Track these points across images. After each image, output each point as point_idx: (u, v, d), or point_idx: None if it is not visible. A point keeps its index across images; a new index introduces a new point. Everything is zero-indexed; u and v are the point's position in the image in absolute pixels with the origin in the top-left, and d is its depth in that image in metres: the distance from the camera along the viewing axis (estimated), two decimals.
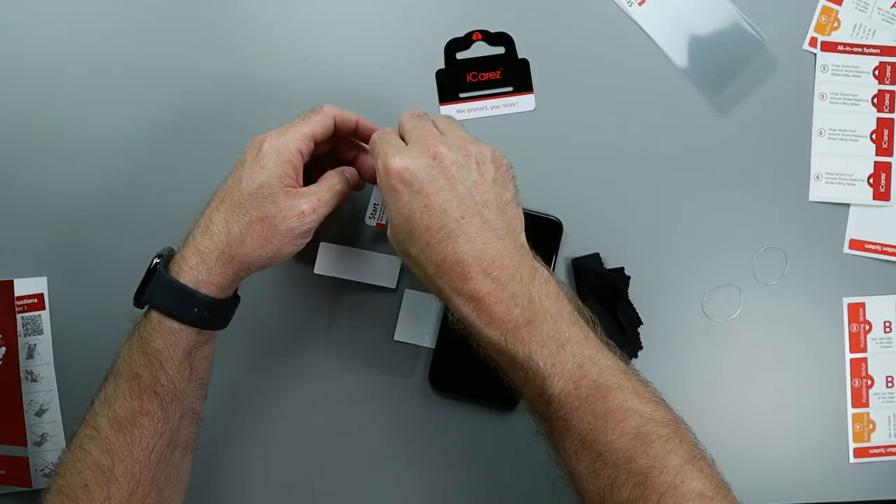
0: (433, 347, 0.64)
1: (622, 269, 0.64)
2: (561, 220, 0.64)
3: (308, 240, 0.56)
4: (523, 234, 0.52)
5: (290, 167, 0.54)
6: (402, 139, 0.54)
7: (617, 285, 0.63)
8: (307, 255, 0.64)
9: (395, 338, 0.65)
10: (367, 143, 0.58)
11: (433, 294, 0.52)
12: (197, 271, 0.53)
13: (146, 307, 0.54)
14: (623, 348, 0.64)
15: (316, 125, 0.56)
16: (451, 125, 0.55)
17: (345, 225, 0.65)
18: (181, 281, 0.52)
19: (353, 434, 0.65)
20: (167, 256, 0.54)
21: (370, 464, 0.65)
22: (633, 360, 0.65)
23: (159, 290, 0.53)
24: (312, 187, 0.56)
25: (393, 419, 0.65)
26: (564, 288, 0.51)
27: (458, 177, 0.51)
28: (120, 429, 0.51)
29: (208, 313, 0.53)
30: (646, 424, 0.47)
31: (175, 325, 0.52)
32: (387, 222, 0.54)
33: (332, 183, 0.57)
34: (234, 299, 0.57)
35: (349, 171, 0.59)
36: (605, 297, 0.64)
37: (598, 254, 0.65)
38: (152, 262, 0.54)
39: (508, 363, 0.50)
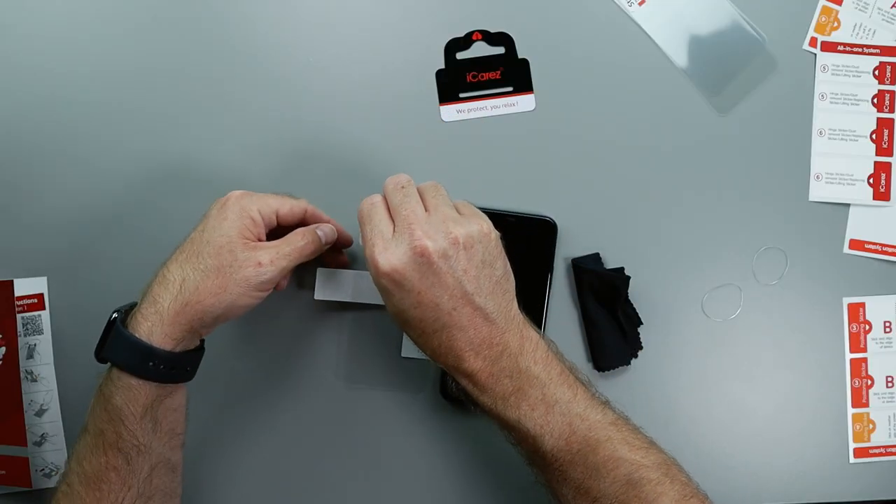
0: None
1: (622, 269, 0.64)
2: (556, 220, 0.64)
3: (267, 293, 0.55)
4: (514, 300, 0.54)
5: (251, 223, 0.54)
6: (389, 213, 0.54)
7: (617, 285, 0.63)
8: (308, 282, 0.64)
9: (403, 354, 0.65)
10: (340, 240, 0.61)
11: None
12: (151, 323, 0.52)
13: (108, 362, 0.53)
14: (623, 348, 0.64)
15: (285, 205, 0.57)
16: (437, 198, 0.54)
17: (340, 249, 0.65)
18: (136, 335, 0.51)
19: (369, 452, 0.65)
20: (126, 310, 0.54)
21: (387, 480, 0.65)
22: (633, 360, 0.65)
23: (116, 346, 0.52)
24: (274, 241, 0.55)
25: (408, 435, 0.65)
26: (553, 347, 0.54)
27: (446, 269, 0.51)
28: (89, 484, 0.52)
29: (165, 367, 0.52)
30: (636, 471, 0.50)
31: (133, 380, 0.52)
32: None
33: (295, 239, 0.56)
34: (197, 351, 0.55)
35: (324, 227, 0.59)
36: (605, 297, 0.64)
37: (597, 254, 0.65)
38: (111, 315, 0.53)
39: (503, 424, 0.53)
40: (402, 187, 0.54)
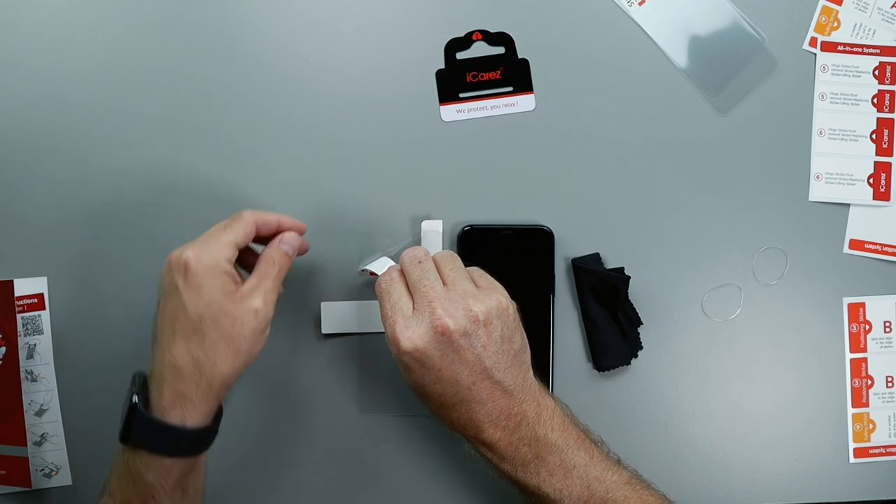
0: None
1: (622, 269, 0.64)
2: (555, 220, 0.64)
3: (269, 328, 0.54)
4: (530, 369, 0.56)
5: (227, 277, 0.53)
6: (407, 289, 0.55)
7: (617, 285, 0.63)
8: (315, 317, 0.65)
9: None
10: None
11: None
12: (182, 409, 0.51)
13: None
14: (623, 348, 0.64)
15: (238, 233, 0.54)
16: (454, 271, 0.55)
17: (342, 281, 0.65)
18: (169, 422, 0.51)
19: (387, 477, 0.65)
20: (142, 384, 0.53)
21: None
22: (633, 360, 0.65)
23: (147, 433, 0.51)
24: (253, 279, 0.54)
25: (425, 457, 0.65)
26: (567, 410, 0.56)
27: (466, 347, 0.53)
28: None
29: (198, 441, 0.53)
30: None
31: (166, 460, 0.51)
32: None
33: (269, 269, 0.55)
34: (220, 411, 0.55)
35: (287, 240, 0.57)
36: (605, 297, 0.64)
37: (597, 254, 0.65)
38: (130, 398, 0.52)
39: (523, 489, 0.55)
40: (420, 262, 0.55)
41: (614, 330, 0.64)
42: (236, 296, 0.53)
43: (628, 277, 0.63)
